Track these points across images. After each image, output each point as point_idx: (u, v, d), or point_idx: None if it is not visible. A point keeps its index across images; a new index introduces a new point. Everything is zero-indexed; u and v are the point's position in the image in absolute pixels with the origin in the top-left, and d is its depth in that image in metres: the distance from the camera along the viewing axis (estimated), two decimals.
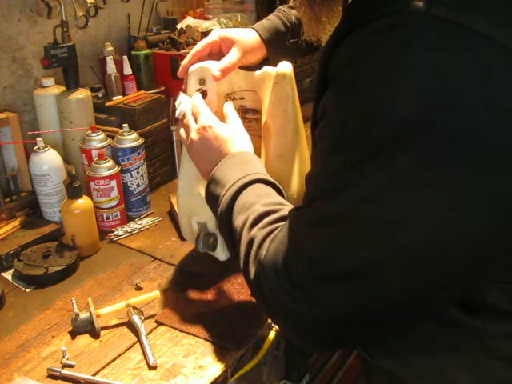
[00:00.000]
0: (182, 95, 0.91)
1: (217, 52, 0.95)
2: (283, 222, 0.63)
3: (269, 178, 0.77)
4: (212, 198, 0.78)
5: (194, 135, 0.84)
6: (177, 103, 0.90)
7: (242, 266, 0.69)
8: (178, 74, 0.95)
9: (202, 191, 0.94)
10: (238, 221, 0.71)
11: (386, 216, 0.48)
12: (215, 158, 0.80)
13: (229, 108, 0.90)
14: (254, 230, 0.67)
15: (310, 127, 0.66)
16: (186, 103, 0.89)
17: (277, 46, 0.99)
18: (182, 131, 0.89)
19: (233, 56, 0.91)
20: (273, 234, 0.63)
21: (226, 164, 0.79)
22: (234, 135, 0.83)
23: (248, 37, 0.96)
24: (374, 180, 0.48)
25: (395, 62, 0.46)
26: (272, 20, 1.01)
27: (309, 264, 0.55)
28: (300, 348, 1.06)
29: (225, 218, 0.74)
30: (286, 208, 0.68)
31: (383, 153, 0.47)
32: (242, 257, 0.68)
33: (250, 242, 0.66)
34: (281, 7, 1.05)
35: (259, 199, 0.71)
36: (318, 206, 0.55)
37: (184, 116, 0.88)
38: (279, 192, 0.75)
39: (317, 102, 0.58)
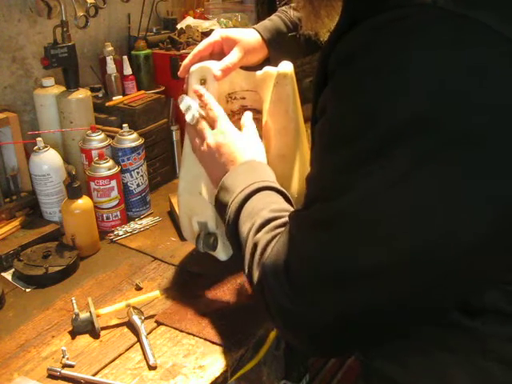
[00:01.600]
0: (186, 98, 0.88)
1: (218, 52, 0.95)
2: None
3: (277, 185, 0.76)
4: (221, 206, 0.78)
5: (211, 141, 0.83)
6: (183, 106, 0.87)
7: (246, 271, 0.68)
8: (178, 73, 0.94)
9: (203, 191, 0.94)
10: (244, 227, 0.70)
11: (386, 217, 0.48)
12: (227, 166, 0.80)
13: (247, 118, 0.89)
14: (259, 235, 0.66)
15: (310, 124, 0.65)
16: (195, 107, 0.87)
17: (278, 46, 0.99)
18: (195, 136, 0.87)
19: (234, 56, 0.91)
20: (276, 238, 0.63)
21: (235, 172, 0.78)
22: (247, 144, 0.83)
23: (249, 37, 0.96)
24: (373, 181, 0.47)
25: (396, 60, 0.45)
26: (274, 20, 1.01)
27: (308, 266, 0.54)
28: (302, 352, 1.06)
29: (232, 225, 0.73)
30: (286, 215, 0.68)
31: (383, 153, 0.46)
32: (247, 262, 0.67)
33: (254, 246, 0.66)
34: (283, 8, 1.05)
35: (266, 206, 0.70)
36: (318, 207, 0.54)
37: (197, 121, 0.86)
38: (287, 199, 0.75)
39: (316, 99, 0.58)
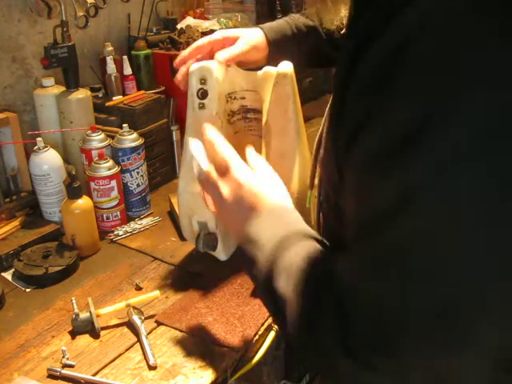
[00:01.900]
0: (191, 145, 0.76)
1: (218, 51, 0.95)
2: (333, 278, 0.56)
3: (309, 230, 0.67)
4: (247, 260, 0.68)
5: (226, 192, 0.72)
6: (188, 155, 0.76)
7: (291, 332, 0.59)
8: (174, 63, 0.94)
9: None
10: (281, 282, 0.61)
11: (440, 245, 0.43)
12: (248, 214, 0.69)
13: (253, 156, 0.78)
14: (303, 290, 0.58)
15: (327, 127, 0.63)
16: (201, 157, 0.75)
17: (280, 48, 0.99)
18: (207, 188, 0.76)
19: (237, 46, 0.92)
20: (325, 291, 0.56)
21: (260, 222, 0.68)
22: (266, 187, 0.73)
23: (254, 34, 0.97)
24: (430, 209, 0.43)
25: (444, 59, 0.42)
26: (280, 23, 1.02)
27: (373, 322, 0.49)
28: None
29: (265, 281, 0.64)
30: (332, 260, 0.59)
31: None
32: (296, 324, 0.58)
33: (302, 305, 0.58)
34: (292, 14, 1.06)
35: (303, 255, 0.62)
36: (361, 246, 0.50)
37: (206, 174, 0.75)
38: (322, 244, 0.65)
39: (340, 102, 0.54)
